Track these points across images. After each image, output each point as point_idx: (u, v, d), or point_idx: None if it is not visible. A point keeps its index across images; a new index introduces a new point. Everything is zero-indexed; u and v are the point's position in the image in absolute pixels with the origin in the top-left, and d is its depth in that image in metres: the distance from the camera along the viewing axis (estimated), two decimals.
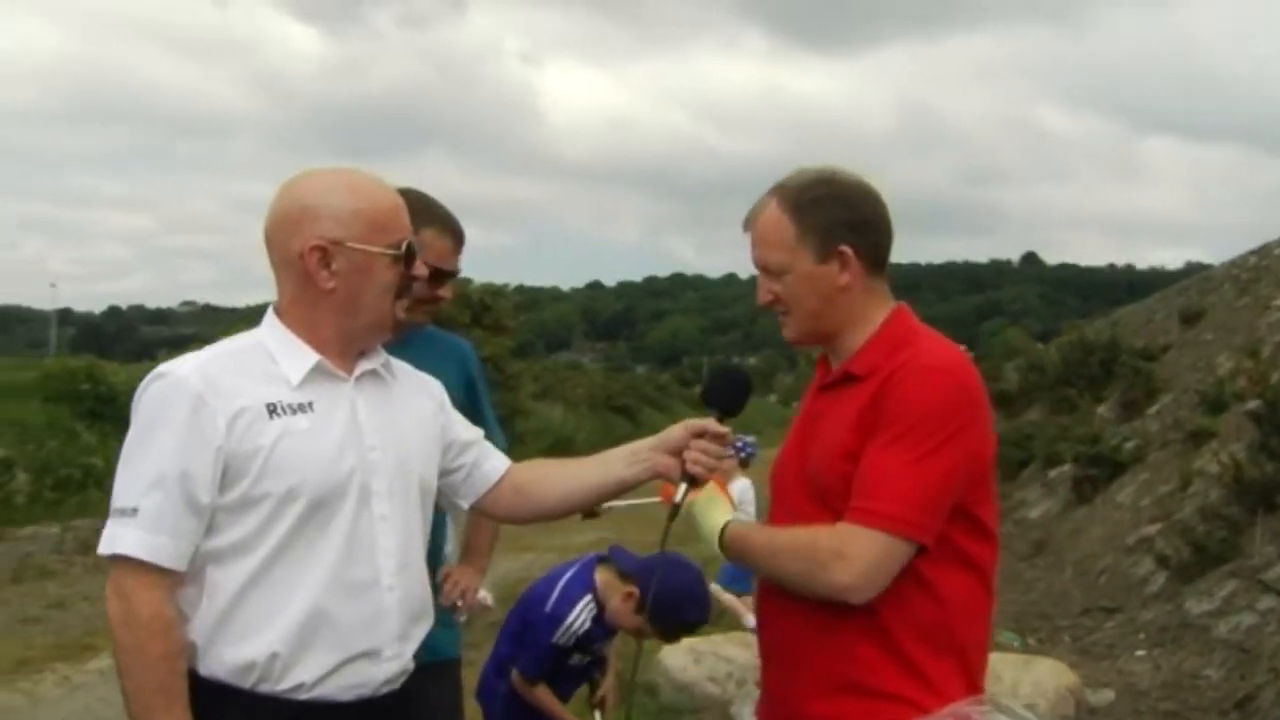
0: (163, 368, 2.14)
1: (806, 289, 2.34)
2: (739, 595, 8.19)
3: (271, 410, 2.12)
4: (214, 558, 2.09)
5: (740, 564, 2.36)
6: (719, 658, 7.06)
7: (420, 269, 2.30)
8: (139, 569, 2.03)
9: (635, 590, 3.92)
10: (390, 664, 2.20)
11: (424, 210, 3.11)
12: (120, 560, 2.03)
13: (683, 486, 2.32)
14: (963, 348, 2.37)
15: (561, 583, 4.11)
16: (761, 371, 70.80)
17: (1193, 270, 40.47)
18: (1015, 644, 8.09)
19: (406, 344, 3.00)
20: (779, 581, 2.31)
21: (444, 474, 2.43)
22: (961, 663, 2.25)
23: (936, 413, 2.18)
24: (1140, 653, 7.46)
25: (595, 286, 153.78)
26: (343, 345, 2.23)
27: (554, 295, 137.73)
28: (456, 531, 3.77)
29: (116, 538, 2.04)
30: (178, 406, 2.07)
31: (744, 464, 8.71)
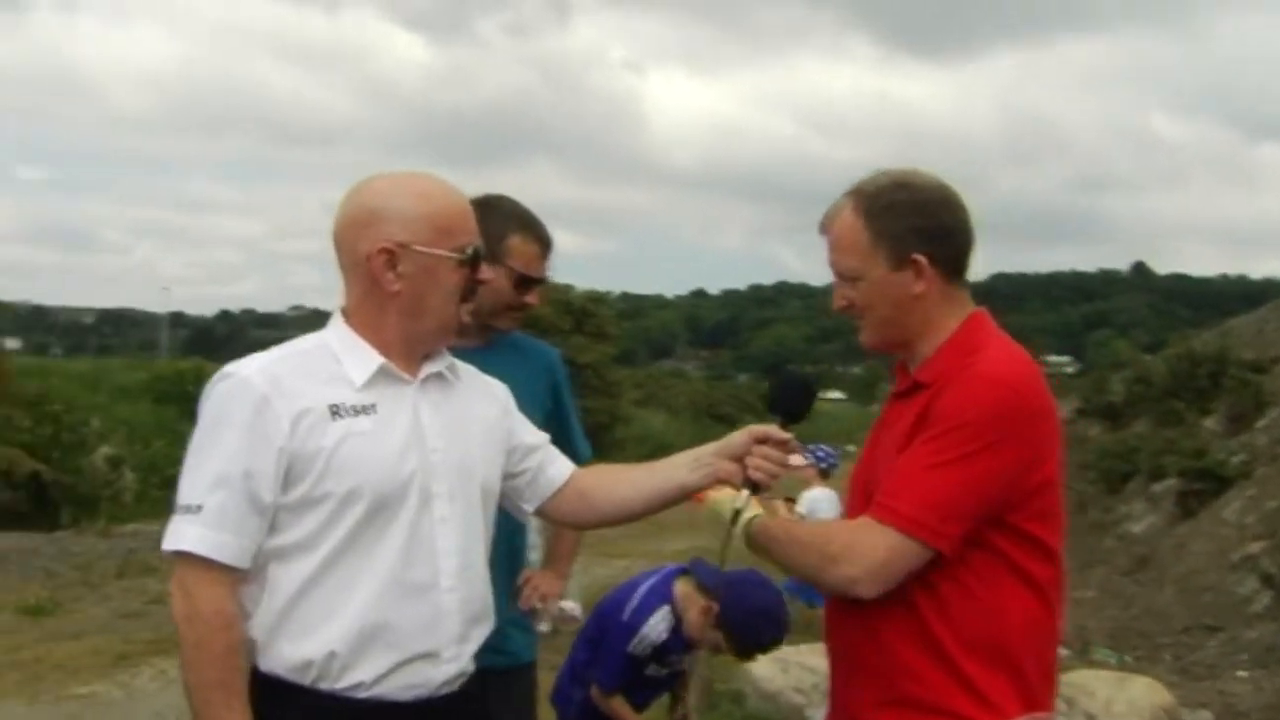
0: (229, 368, 2.17)
1: (880, 296, 2.29)
2: (809, 607, 8.10)
3: (334, 411, 2.13)
4: (276, 556, 2.11)
5: (764, 556, 2.33)
6: (804, 668, 6.99)
7: (486, 273, 2.29)
8: (202, 565, 2.05)
9: (714, 605, 3.87)
10: (449, 666, 2.20)
11: (512, 216, 3.11)
12: (184, 557, 2.06)
13: (744, 493, 2.29)
14: (1030, 358, 2.28)
15: (640, 591, 4.08)
16: (865, 380, 69.94)
17: None
18: (1112, 661, 7.91)
19: (493, 349, 3.01)
20: (797, 573, 2.32)
21: (508, 478, 2.42)
22: (1020, 681, 2.18)
23: (976, 421, 2.12)
24: (1242, 673, 7.26)
25: (699, 294, 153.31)
26: (407, 348, 2.24)
27: (658, 303, 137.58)
28: (543, 540, 3.77)
29: (180, 535, 2.07)
30: (242, 406, 2.09)
31: (824, 474, 8.58)
